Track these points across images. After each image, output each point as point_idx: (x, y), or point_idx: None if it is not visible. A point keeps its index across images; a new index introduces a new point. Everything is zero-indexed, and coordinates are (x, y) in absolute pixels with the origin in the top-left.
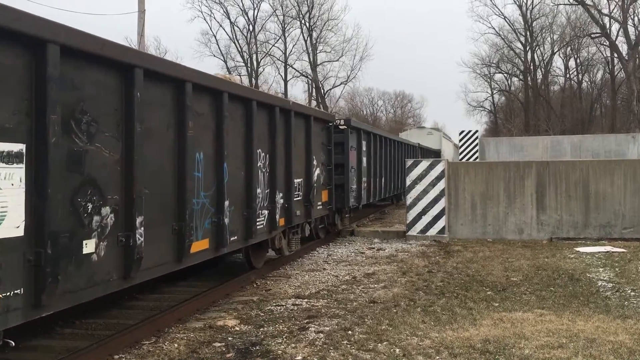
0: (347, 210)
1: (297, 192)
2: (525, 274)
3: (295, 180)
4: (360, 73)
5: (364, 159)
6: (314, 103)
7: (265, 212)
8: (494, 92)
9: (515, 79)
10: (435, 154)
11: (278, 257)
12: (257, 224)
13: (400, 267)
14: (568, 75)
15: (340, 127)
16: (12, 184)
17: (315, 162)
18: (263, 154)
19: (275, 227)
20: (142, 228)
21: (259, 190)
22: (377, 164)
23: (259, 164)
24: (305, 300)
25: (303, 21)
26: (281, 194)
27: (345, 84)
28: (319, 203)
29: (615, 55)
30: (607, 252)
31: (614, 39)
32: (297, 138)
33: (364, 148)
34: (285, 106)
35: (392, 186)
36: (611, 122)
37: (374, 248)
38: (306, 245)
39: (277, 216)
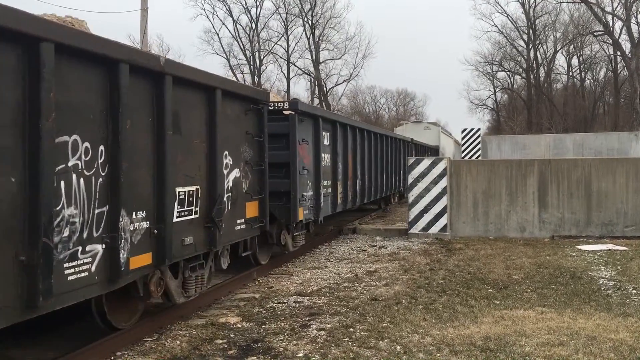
0: (300, 225)
1: (185, 209)
2: (527, 271)
3: (180, 190)
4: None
5: (326, 157)
6: (316, 101)
7: (95, 248)
8: (497, 90)
9: (518, 77)
10: (433, 151)
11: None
12: (67, 271)
13: (402, 265)
14: (571, 73)
15: (285, 112)
16: None
17: (229, 160)
18: (87, 145)
19: (119, 274)
20: None
21: (68, 211)
22: (354, 162)
23: (71, 163)
24: (307, 297)
25: (306, 19)
26: (140, 214)
27: (348, 82)
28: (240, 221)
29: (618, 53)
30: (609, 250)
31: (617, 37)
32: (183, 121)
33: (325, 142)
34: (149, 64)
35: (379, 188)
36: (614, 120)
37: (375, 246)
38: (308, 243)
39: (124, 253)
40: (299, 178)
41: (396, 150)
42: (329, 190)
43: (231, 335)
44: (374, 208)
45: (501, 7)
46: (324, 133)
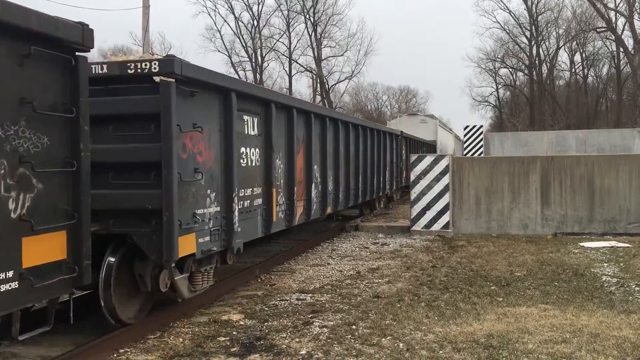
0: (204, 260)
1: None
2: (530, 269)
3: None
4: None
5: (252, 153)
6: (318, 98)
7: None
8: (499, 87)
9: (520, 74)
10: (429, 147)
11: None
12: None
13: (405, 262)
14: (573, 70)
15: (156, 78)
16: None
17: None
18: None
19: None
20: None
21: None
22: (307, 161)
23: None
24: (310, 295)
25: (307, 16)
26: None
27: (350, 79)
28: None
29: (621, 49)
30: (612, 247)
31: (619, 33)
32: None
33: (249, 131)
34: None
35: (353, 193)
36: (617, 117)
37: (378, 243)
38: (310, 240)
39: None
40: (179, 187)
41: (381, 145)
42: (259, 202)
43: (234, 333)
44: (354, 215)
45: (503, 3)
46: (246, 117)
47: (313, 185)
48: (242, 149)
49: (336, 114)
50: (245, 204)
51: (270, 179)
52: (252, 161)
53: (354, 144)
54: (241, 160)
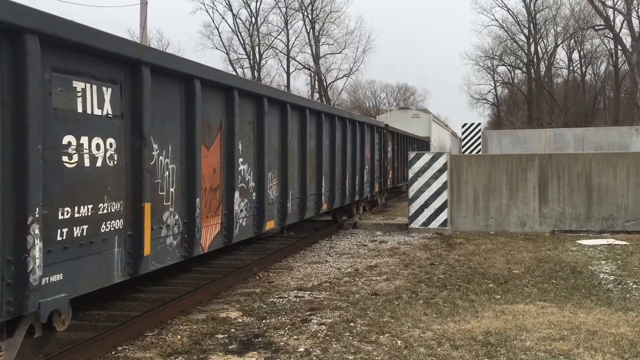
0: None
1: None
2: (527, 266)
3: None
4: (363, 65)
5: (106, 144)
6: (316, 96)
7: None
8: (497, 84)
9: (518, 72)
10: (421, 144)
11: None
12: None
13: (403, 260)
14: (571, 68)
15: None
16: None
17: None
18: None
19: None
20: None
21: None
22: (236, 156)
23: None
24: (308, 292)
25: (305, 13)
26: None
27: (348, 76)
28: None
29: (619, 47)
30: (610, 244)
31: (617, 31)
32: None
33: (98, 109)
34: None
35: (323, 197)
36: (614, 115)
37: (376, 240)
38: (308, 238)
39: None
40: None
41: (357, 139)
42: (114, 225)
43: (232, 330)
44: (328, 220)
45: (502, 1)
46: (80, 85)
47: (238, 193)
48: (69, 139)
49: (284, 95)
50: (76, 231)
51: (140, 188)
52: (96, 159)
53: (315, 136)
54: (64, 158)
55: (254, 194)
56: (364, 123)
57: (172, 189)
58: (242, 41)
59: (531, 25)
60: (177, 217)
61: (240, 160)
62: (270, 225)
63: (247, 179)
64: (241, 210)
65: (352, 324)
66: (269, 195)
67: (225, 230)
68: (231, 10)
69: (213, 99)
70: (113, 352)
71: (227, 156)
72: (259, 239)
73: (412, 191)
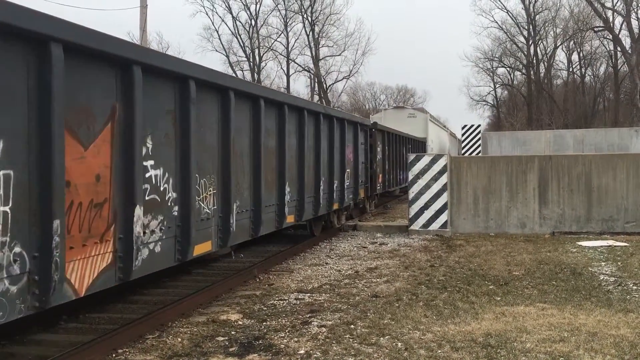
0: None
1: None
2: (527, 268)
3: None
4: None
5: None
6: (316, 98)
7: None
8: (497, 86)
9: (518, 73)
10: (417, 145)
11: None
12: None
13: (403, 262)
14: (571, 69)
15: None
16: None
17: None
18: None
19: None
20: None
21: None
22: (136, 155)
23: None
24: (308, 294)
25: (305, 15)
26: None
27: (348, 78)
28: None
29: (619, 48)
30: (610, 246)
31: (617, 33)
32: None
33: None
34: None
35: (286, 208)
36: (614, 116)
37: (376, 242)
38: (308, 240)
39: None
40: None
41: (335, 138)
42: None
43: (232, 332)
44: (301, 233)
45: (501, 2)
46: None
47: (141, 209)
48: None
49: (224, 79)
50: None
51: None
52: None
53: (277, 133)
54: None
55: (175, 207)
56: (345, 119)
57: (2, 208)
58: (241, 44)
59: (530, 27)
60: (17, 249)
61: (150, 163)
62: (203, 248)
63: (162, 189)
64: (150, 232)
65: (352, 326)
66: (202, 209)
67: (121, 261)
68: (231, 12)
69: (92, 75)
70: (113, 355)
71: (125, 157)
72: (257, 242)
73: (412, 193)
